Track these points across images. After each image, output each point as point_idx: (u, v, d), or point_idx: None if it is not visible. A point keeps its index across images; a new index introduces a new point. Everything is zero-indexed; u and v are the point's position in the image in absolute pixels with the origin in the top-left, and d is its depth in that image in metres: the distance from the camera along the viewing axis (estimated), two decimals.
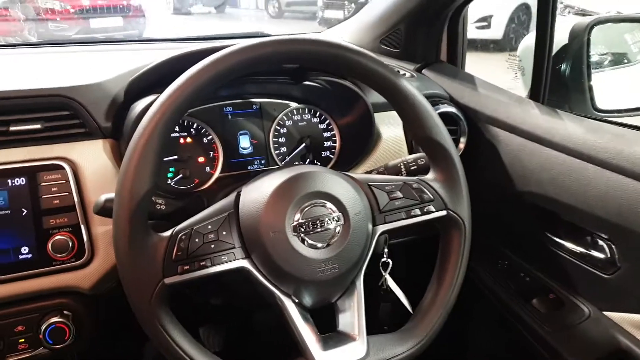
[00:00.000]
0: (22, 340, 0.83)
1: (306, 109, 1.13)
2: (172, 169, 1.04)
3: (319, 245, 0.71)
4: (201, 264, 0.68)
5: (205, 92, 0.70)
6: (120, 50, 1.38)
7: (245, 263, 0.71)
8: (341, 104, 1.08)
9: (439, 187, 0.79)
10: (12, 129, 0.85)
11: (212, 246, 0.70)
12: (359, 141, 1.07)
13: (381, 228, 0.77)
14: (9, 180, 0.82)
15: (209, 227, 0.71)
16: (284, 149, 1.12)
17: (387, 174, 0.89)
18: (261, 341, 1.49)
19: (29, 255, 0.82)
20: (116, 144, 0.92)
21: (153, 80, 0.93)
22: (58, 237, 0.83)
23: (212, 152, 1.06)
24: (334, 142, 1.14)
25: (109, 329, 0.92)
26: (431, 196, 0.78)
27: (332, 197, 0.73)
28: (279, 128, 1.12)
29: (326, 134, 1.14)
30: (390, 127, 1.07)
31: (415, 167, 0.88)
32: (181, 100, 0.68)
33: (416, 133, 0.79)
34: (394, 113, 1.08)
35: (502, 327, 1.10)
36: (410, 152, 1.08)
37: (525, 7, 5.83)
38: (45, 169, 0.84)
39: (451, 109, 1.11)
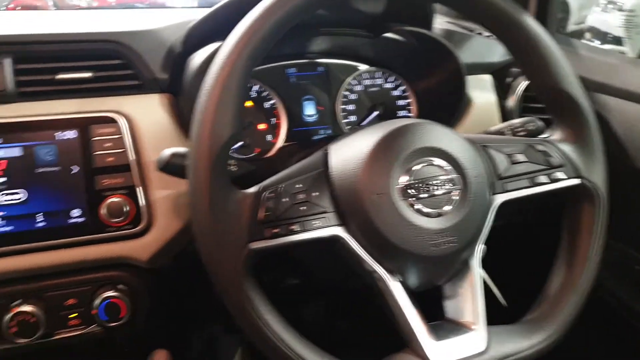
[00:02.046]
0: (74, 315, 0.73)
1: (377, 72, 1.01)
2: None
3: (432, 212, 0.58)
4: (290, 228, 0.57)
5: (292, 21, 0.58)
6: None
7: (339, 231, 0.59)
8: (422, 64, 0.95)
9: (570, 150, 0.66)
10: (59, 77, 0.75)
11: (303, 208, 0.58)
12: (443, 109, 0.94)
13: (501, 197, 0.64)
14: (58, 133, 0.72)
15: (298, 185, 0.59)
16: (353, 118, 1.00)
17: None
18: (314, 332, 1.37)
19: (80, 219, 0.71)
20: (173, 99, 0.81)
21: (214, 27, 0.82)
22: (112, 199, 0.72)
23: (274, 119, 0.95)
24: (409, 111, 1.02)
25: (162, 310, 0.81)
26: (561, 161, 0.65)
27: (447, 154, 0.60)
28: (347, 94, 1.00)
29: (400, 102, 1.02)
30: (481, 92, 0.95)
31: (523, 133, 0.75)
32: (267, 28, 0.56)
33: (541, 83, 0.66)
34: (484, 77, 0.96)
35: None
36: (504, 120, 0.95)
37: None
38: (98, 121, 0.74)
39: None
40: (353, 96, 1.00)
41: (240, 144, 0.92)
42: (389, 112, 1.01)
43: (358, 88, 1.00)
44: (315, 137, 0.98)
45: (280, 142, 0.95)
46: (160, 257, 0.75)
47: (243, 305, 0.55)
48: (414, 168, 0.59)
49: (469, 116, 0.93)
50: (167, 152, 0.65)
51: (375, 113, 1.00)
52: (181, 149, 0.66)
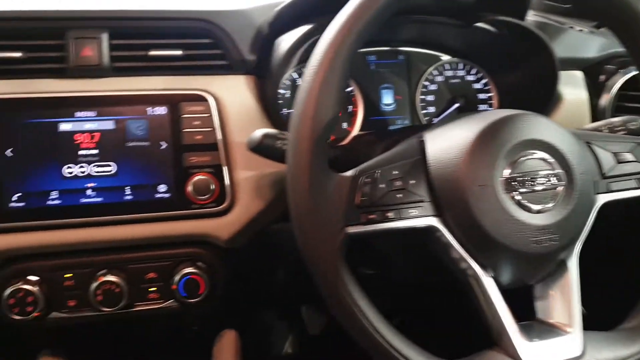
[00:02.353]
0: (153, 289, 0.74)
1: (459, 64, 0.98)
2: None
3: (536, 208, 0.56)
4: (386, 214, 0.55)
5: (390, 7, 0.56)
6: None
7: (435, 221, 0.57)
8: (510, 57, 0.91)
9: None
10: (152, 53, 0.76)
11: (399, 196, 0.56)
12: (529, 104, 0.89)
13: (604, 198, 0.60)
14: (150, 108, 0.73)
15: (395, 172, 0.57)
16: (431, 109, 0.98)
17: None
18: None
19: (167, 195, 0.72)
20: (259, 82, 0.81)
21: (301, 12, 0.81)
22: (199, 177, 0.72)
23: (351, 107, 0.94)
24: (490, 105, 0.98)
25: (235, 290, 0.81)
26: None
27: (553, 148, 0.57)
28: (427, 84, 0.97)
29: (481, 96, 0.99)
30: (572, 89, 0.90)
31: (624, 132, 0.71)
32: (378, 8, 0.55)
33: None
34: (575, 73, 0.92)
35: None
36: (594, 119, 0.90)
37: None
38: (188, 98, 0.74)
39: None
40: (433, 87, 0.97)
41: None
42: (469, 105, 0.98)
43: (439, 79, 0.98)
44: (392, 127, 0.96)
45: (356, 130, 0.94)
46: (239, 237, 0.76)
47: (338, 289, 0.54)
48: (518, 160, 0.56)
49: (557, 113, 0.88)
50: (259, 132, 0.65)
51: (455, 105, 0.97)
52: (272, 130, 0.66)
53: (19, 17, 0.73)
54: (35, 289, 0.69)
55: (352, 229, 0.54)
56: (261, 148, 0.65)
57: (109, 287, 0.71)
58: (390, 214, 0.55)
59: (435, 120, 0.97)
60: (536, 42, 0.84)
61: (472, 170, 0.55)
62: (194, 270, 0.73)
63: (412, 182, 0.57)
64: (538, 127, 0.58)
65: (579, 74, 0.93)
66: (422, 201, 0.57)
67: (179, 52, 0.76)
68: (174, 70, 0.77)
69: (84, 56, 0.73)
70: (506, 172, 0.56)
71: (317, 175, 0.54)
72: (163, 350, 0.95)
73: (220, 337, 0.87)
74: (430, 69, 0.97)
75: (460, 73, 0.98)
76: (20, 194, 0.69)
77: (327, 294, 0.55)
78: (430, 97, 0.97)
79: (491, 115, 0.60)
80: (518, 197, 0.55)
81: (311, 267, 0.55)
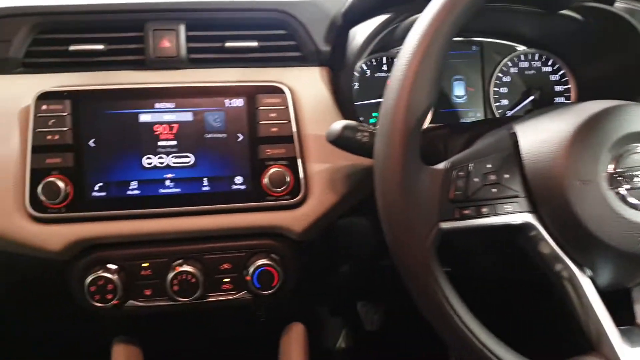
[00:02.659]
0: (227, 280, 0.74)
1: (536, 55, 0.94)
2: (375, 114, 0.90)
3: None
4: (482, 210, 0.53)
5: None
6: None
7: (530, 218, 0.54)
8: (594, 47, 0.86)
9: None
10: (228, 44, 0.76)
11: (494, 190, 0.54)
12: (612, 98, 0.85)
13: None
14: (227, 100, 0.73)
15: (488, 165, 0.55)
16: (505, 102, 0.94)
17: None
18: (421, 326, 1.33)
19: (243, 187, 0.72)
20: (332, 74, 0.80)
21: (376, 2, 0.79)
22: (274, 169, 0.72)
23: None
24: (567, 98, 0.94)
25: (304, 283, 0.81)
26: None
27: None
28: (501, 76, 0.94)
29: (558, 88, 0.94)
30: None
31: None
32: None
33: None
34: None
35: None
36: None
37: None
38: (265, 91, 0.73)
39: None
40: (507, 78, 0.94)
41: None
42: (544, 98, 0.94)
43: (513, 70, 0.94)
44: (464, 120, 0.93)
45: (426, 123, 0.91)
46: (311, 230, 0.75)
47: (430, 287, 0.52)
48: (623, 154, 0.53)
49: None
50: (339, 124, 0.64)
51: (530, 98, 0.93)
52: (352, 122, 0.65)
53: (100, 11, 0.74)
54: (114, 277, 0.70)
55: (446, 225, 0.52)
56: (341, 140, 0.64)
57: (186, 277, 0.71)
58: (484, 209, 0.53)
59: (509, 113, 0.94)
60: (626, 30, 0.79)
61: (573, 165, 0.52)
62: (268, 262, 0.73)
63: (506, 176, 0.55)
64: None
65: None
66: (517, 196, 0.54)
67: (254, 44, 0.76)
68: (248, 62, 0.77)
69: (162, 47, 0.74)
70: (610, 167, 0.53)
71: (410, 168, 0.52)
72: (230, 341, 0.95)
73: (289, 330, 0.87)
74: (505, 60, 0.93)
75: (536, 64, 0.94)
76: (101, 184, 0.70)
77: (418, 293, 0.53)
78: (503, 90, 0.94)
79: (590, 106, 0.57)
80: (623, 193, 0.52)
81: (401, 264, 0.53)
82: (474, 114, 0.94)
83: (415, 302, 0.54)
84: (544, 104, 0.94)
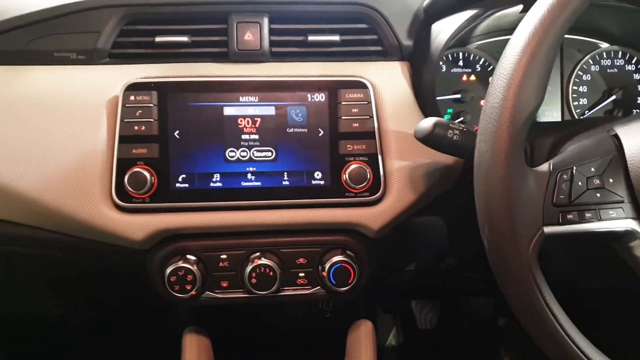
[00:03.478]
0: (302, 274, 0.74)
1: (620, 52, 0.90)
2: (449, 110, 0.88)
3: None
4: (586, 215, 0.51)
5: None
6: None
7: (634, 224, 0.52)
8: None
9: None
10: (311, 38, 0.75)
11: (598, 195, 0.52)
12: None
13: None
14: (309, 95, 0.72)
15: (592, 169, 0.53)
16: (584, 101, 0.91)
17: None
18: (475, 327, 1.32)
19: (322, 182, 0.72)
20: (413, 69, 0.78)
21: None
22: (354, 165, 0.71)
23: None
24: None
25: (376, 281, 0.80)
26: None
27: None
28: (581, 74, 0.90)
29: None
30: None
31: None
32: None
33: None
34: None
35: None
36: None
37: None
38: (348, 85, 0.73)
39: None
40: (587, 77, 0.91)
41: (460, 119, 0.88)
42: (627, 98, 0.90)
43: (594, 68, 0.90)
44: (539, 119, 0.91)
45: None
46: (387, 228, 0.74)
47: (531, 294, 0.50)
48: None
49: None
50: (430, 121, 0.63)
51: (612, 98, 0.90)
52: (443, 120, 0.63)
53: (185, 2, 0.75)
54: (194, 268, 0.71)
55: (550, 229, 0.51)
56: (432, 137, 0.63)
57: (264, 271, 0.72)
58: (588, 214, 0.52)
59: (588, 113, 0.91)
60: None
61: None
62: (344, 259, 0.73)
63: (610, 180, 0.53)
64: None
65: None
66: (622, 202, 0.53)
67: (336, 38, 0.76)
68: (329, 56, 0.77)
69: (245, 40, 0.74)
70: None
71: (516, 169, 0.50)
72: (296, 335, 0.96)
73: (357, 327, 0.87)
74: (586, 57, 0.90)
75: (619, 62, 0.90)
76: (185, 175, 0.71)
77: (517, 297, 0.52)
78: (582, 88, 0.91)
79: None
80: None
81: (501, 267, 0.52)
82: (551, 113, 0.91)
83: (511, 305, 0.52)
84: (626, 104, 0.90)
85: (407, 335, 1.49)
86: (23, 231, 0.73)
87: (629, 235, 0.53)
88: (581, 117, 0.89)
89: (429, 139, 0.63)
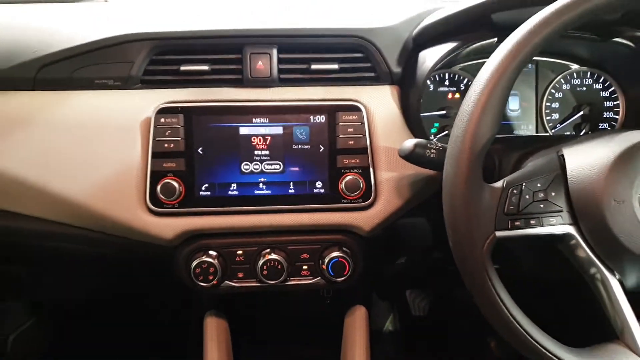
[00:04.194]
0: (306, 267, 0.88)
1: (589, 73, 1.01)
2: (436, 125, 1.01)
3: None
4: (531, 222, 0.64)
5: (551, 40, 0.63)
6: None
7: (571, 229, 0.65)
8: None
9: None
10: (313, 67, 0.88)
11: (542, 206, 0.65)
12: None
13: None
14: (312, 117, 0.85)
15: (538, 185, 0.66)
16: (555, 116, 1.03)
17: None
18: (463, 314, 1.45)
19: (322, 190, 0.85)
20: (401, 92, 0.91)
21: (445, 30, 0.89)
22: (349, 176, 0.84)
23: None
24: (616, 113, 1.02)
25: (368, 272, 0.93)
26: None
27: None
28: (554, 92, 1.02)
29: (607, 104, 1.02)
30: None
31: None
32: (532, 45, 0.62)
33: None
34: None
35: None
36: None
37: None
38: (344, 109, 0.86)
39: None
40: (559, 94, 1.02)
41: (444, 133, 1.00)
42: (594, 113, 1.02)
43: (565, 87, 1.02)
44: (516, 132, 1.03)
45: None
46: (378, 228, 0.87)
47: (485, 285, 0.63)
48: None
49: None
50: (411, 142, 0.75)
51: (580, 113, 1.01)
52: (422, 140, 0.76)
53: (206, 36, 0.87)
54: (215, 261, 0.85)
55: (500, 233, 0.64)
56: (413, 156, 0.75)
57: (273, 264, 0.85)
58: (533, 222, 0.64)
59: (560, 126, 1.02)
60: None
61: (611, 187, 0.62)
62: (341, 254, 0.86)
63: (552, 193, 0.65)
64: None
65: None
66: (561, 211, 0.65)
67: (335, 66, 0.88)
68: (329, 81, 0.89)
69: (257, 69, 0.87)
70: None
71: (474, 186, 0.63)
72: (300, 319, 1.10)
73: (352, 312, 1.00)
74: (559, 77, 1.01)
75: (588, 82, 1.02)
76: (207, 185, 0.84)
77: (474, 288, 0.65)
78: (555, 104, 1.02)
79: (631, 136, 0.66)
80: None
81: (461, 263, 0.65)
82: (526, 127, 1.03)
83: (471, 294, 0.65)
84: (594, 118, 1.02)
85: (402, 322, 1.63)
86: (72, 231, 0.87)
87: (567, 237, 0.65)
88: (545, 134, 1.01)
89: (410, 157, 0.75)
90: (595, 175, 0.64)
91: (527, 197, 0.65)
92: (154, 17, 0.93)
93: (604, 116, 1.02)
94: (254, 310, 1.09)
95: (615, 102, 1.01)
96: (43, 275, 1.11)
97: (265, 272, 0.86)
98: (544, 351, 0.63)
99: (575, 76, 1.02)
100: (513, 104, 1.03)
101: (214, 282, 0.86)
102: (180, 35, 0.87)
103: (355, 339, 0.96)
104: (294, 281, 0.89)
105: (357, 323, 0.99)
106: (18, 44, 0.86)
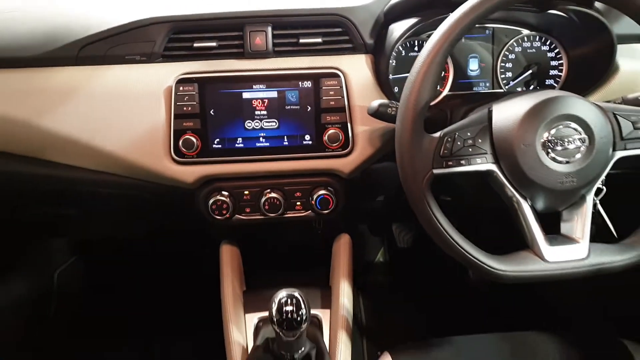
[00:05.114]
0: (299, 203, 1.11)
1: (537, 37, 1.19)
2: None
3: (563, 160, 0.83)
4: (461, 161, 0.85)
5: (487, 16, 0.82)
6: None
7: (493, 167, 0.86)
8: (579, 34, 1.12)
9: None
10: (301, 41, 1.07)
11: (470, 150, 0.85)
12: (591, 72, 1.12)
13: (620, 154, 0.86)
14: (300, 83, 1.05)
15: (468, 134, 0.86)
16: (509, 74, 1.21)
17: None
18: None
19: (310, 142, 1.07)
20: (374, 59, 1.10)
21: (412, 7, 1.07)
22: (331, 130, 1.05)
23: (443, 72, 1.20)
24: (560, 71, 1.20)
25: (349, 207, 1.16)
26: None
27: (582, 120, 0.83)
28: (507, 54, 1.20)
29: (553, 63, 1.20)
30: (630, 61, 1.10)
31: None
32: (468, 21, 0.81)
33: None
34: (636, 46, 1.11)
35: None
36: None
37: None
38: (327, 75, 1.06)
39: None
40: (512, 56, 1.20)
41: None
42: (542, 71, 1.20)
43: (517, 49, 1.20)
44: (475, 89, 1.22)
45: (446, 91, 1.21)
46: (356, 171, 1.09)
47: (425, 208, 0.85)
48: (555, 129, 0.83)
49: (613, 80, 1.10)
50: (376, 102, 0.96)
51: (529, 72, 1.20)
52: (385, 101, 0.96)
53: (214, 17, 1.07)
54: (227, 199, 1.08)
55: (437, 171, 0.85)
56: (377, 114, 0.96)
57: (273, 201, 1.08)
58: (463, 162, 0.85)
59: (512, 83, 1.21)
60: (597, 23, 1.05)
61: (521, 134, 0.83)
62: (326, 192, 1.09)
63: (479, 140, 0.86)
64: (573, 104, 0.84)
65: (638, 47, 1.12)
66: (485, 153, 0.86)
67: (319, 39, 1.07)
68: (314, 52, 1.08)
69: (256, 44, 1.07)
70: (545, 136, 0.83)
71: (416, 135, 0.84)
72: (299, 247, 1.35)
73: (339, 239, 1.25)
74: (511, 41, 1.19)
75: (536, 44, 1.20)
76: (218, 139, 1.06)
77: (417, 211, 0.87)
78: (508, 64, 1.21)
79: (541, 95, 0.86)
80: (552, 154, 0.83)
81: (408, 194, 0.87)
82: (484, 84, 1.22)
83: (417, 217, 0.88)
84: (541, 75, 1.21)
85: (390, 254, 1.88)
86: (113, 178, 1.09)
87: (491, 173, 0.87)
88: (494, 91, 1.20)
89: (375, 114, 0.96)
90: (510, 125, 0.85)
91: (459, 143, 0.86)
92: (169, 2, 1.12)
93: (550, 74, 1.20)
94: (259, 240, 1.33)
95: (559, 62, 1.19)
96: (88, 216, 1.35)
97: (267, 207, 1.09)
98: (470, 257, 0.86)
99: (525, 40, 1.20)
100: (473, 64, 1.21)
101: (227, 215, 1.09)
102: (192, 18, 1.07)
103: (341, 259, 1.21)
104: (290, 214, 1.12)
105: (342, 247, 1.23)
106: (62, 29, 1.06)
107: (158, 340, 1.51)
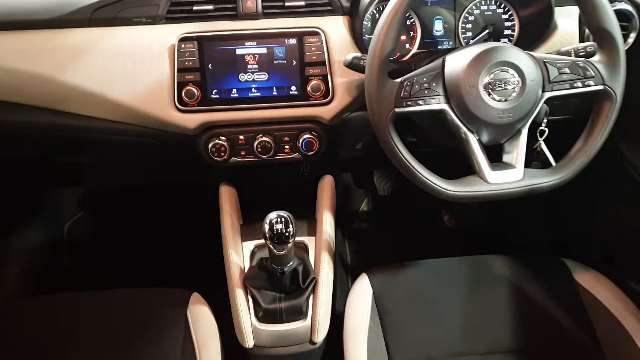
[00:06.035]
0: (287, 147, 1.28)
1: (493, 0, 1.37)
2: None
3: (502, 99, 1.02)
4: (418, 102, 1.03)
5: None
6: None
7: (445, 106, 1.04)
8: None
9: (601, 68, 1.03)
10: (287, 4, 1.24)
11: (426, 92, 1.03)
12: (536, 31, 1.30)
13: (548, 94, 1.04)
14: (286, 40, 1.22)
15: (424, 79, 1.04)
16: (469, 34, 1.39)
17: None
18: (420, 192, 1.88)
19: (296, 92, 1.24)
20: (350, 20, 1.27)
21: None
22: (314, 82, 1.22)
23: (412, 32, 1.37)
24: (513, 30, 1.38)
25: (332, 151, 1.34)
26: (593, 74, 1.03)
27: (515, 66, 1.01)
28: (467, 16, 1.37)
29: (507, 23, 1.38)
30: (566, 20, 1.28)
31: (583, 53, 1.11)
32: None
33: (590, 23, 1.02)
34: (571, 8, 1.29)
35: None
36: (581, 42, 1.28)
37: None
38: (309, 34, 1.22)
39: (626, 6, 1.27)
40: (471, 17, 1.37)
41: None
42: (497, 30, 1.37)
43: (476, 12, 1.37)
44: (440, 47, 1.39)
45: (414, 49, 1.38)
46: (336, 118, 1.26)
47: (389, 140, 1.03)
48: (494, 72, 1.01)
49: (553, 37, 1.28)
50: (350, 55, 1.13)
51: (486, 31, 1.37)
52: (357, 54, 1.14)
53: None
54: (224, 143, 1.26)
55: (398, 109, 1.02)
56: (351, 65, 1.13)
57: (265, 144, 1.26)
58: (420, 102, 1.03)
59: (472, 41, 1.39)
60: None
61: (466, 77, 1.01)
62: (310, 136, 1.26)
63: (434, 84, 1.04)
64: (509, 53, 1.02)
65: (574, 9, 1.30)
66: (439, 95, 1.04)
67: (302, 2, 1.24)
68: (298, 14, 1.25)
69: (247, 6, 1.23)
70: (486, 79, 1.01)
71: (381, 81, 1.01)
72: (288, 187, 1.53)
73: (323, 179, 1.43)
74: (471, 4, 1.36)
75: (492, 7, 1.37)
76: (216, 90, 1.23)
77: (382, 143, 1.05)
78: (469, 25, 1.38)
79: (484, 45, 1.04)
80: (492, 94, 1.01)
81: (376, 130, 1.05)
82: (447, 43, 1.39)
83: (383, 149, 1.06)
84: (497, 34, 1.38)
85: (372, 203, 2.08)
86: (124, 126, 1.26)
87: (443, 111, 1.05)
88: (452, 47, 1.38)
89: (350, 66, 1.13)
90: (458, 69, 1.03)
91: (416, 87, 1.03)
92: None
93: (504, 33, 1.38)
94: (253, 181, 1.51)
95: (512, 22, 1.37)
96: (101, 165, 1.52)
97: (259, 150, 1.27)
98: (426, 179, 1.05)
99: (483, 3, 1.36)
100: (437, 25, 1.38)
101: (225, 157, 1.27)
102: None
103: (324, 195, 1.39)
104: (280, 156, 1.30)
105: (325, 185, 1.41)
106: None
107: (163, 269, 1.69)
